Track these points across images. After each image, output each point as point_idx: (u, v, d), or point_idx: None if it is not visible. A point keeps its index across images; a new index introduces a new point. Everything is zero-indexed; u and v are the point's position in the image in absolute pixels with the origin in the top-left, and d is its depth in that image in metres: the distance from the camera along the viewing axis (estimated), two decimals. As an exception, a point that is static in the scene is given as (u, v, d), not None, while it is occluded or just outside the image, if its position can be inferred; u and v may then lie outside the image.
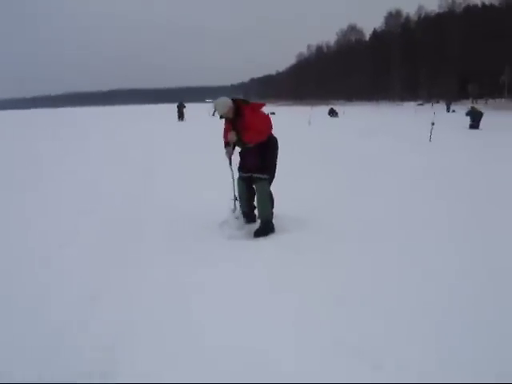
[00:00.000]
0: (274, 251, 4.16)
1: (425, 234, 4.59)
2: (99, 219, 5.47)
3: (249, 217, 4.96)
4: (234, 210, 4.88)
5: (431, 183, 7.28)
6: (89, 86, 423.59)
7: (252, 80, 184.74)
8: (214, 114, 40.42)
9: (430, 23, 71.04)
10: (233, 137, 4.59)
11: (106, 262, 4.01)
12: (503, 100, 54.08)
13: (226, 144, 4.79)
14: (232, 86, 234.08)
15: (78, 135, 20.77)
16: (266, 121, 4.71)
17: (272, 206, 4.83)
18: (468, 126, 18.31)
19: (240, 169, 4.91)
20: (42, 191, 7.36)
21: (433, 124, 13.54)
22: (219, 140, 4.96)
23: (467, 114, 19.11)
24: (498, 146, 12.83)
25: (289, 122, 23.55)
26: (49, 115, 52.73)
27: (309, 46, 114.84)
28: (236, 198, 4.91)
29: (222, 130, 4.89)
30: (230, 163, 4.82)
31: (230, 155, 4.79)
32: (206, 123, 25.16)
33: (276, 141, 4.81)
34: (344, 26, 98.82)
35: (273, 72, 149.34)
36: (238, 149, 4.83)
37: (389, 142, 13.57)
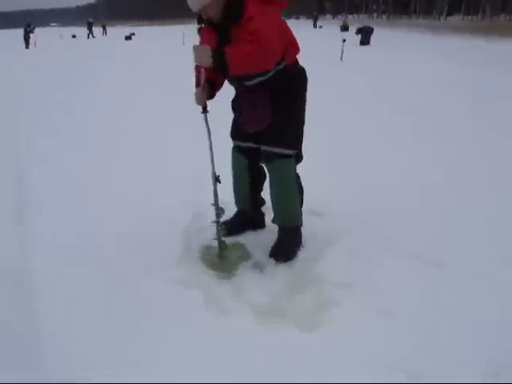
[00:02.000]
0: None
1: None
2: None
3: (251, 220, 2.74)
4: (220, 213, 2.39)
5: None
6: None
7: (99, 0, 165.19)
8: (84, 35, 33.16)
9: None
10: (205, 56, 2.02)
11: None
12: (361, 16, 56.73)
13: (197, 79, 2.28)
14: (77, 7, 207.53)
15: None
16: (287, 31, 2.25)
17: (301, 203, 2.54)
18: (359, 43, 18.38)
19: (235, 133, 2.53)
20: None
21: (344, 41, 12.83)
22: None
23: (358, 32, 19.07)
24: (402, 57, 12.87)
25: (167, 45, 20.89)
26: None
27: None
28: (217, 180, 2.38)
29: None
30: (205, 114, 2.31)
31: (202, 101, 2.27)
32: (63, 50, 20.59)
33: (306, 77, 2.42)
34: None
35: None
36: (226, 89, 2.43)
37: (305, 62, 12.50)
